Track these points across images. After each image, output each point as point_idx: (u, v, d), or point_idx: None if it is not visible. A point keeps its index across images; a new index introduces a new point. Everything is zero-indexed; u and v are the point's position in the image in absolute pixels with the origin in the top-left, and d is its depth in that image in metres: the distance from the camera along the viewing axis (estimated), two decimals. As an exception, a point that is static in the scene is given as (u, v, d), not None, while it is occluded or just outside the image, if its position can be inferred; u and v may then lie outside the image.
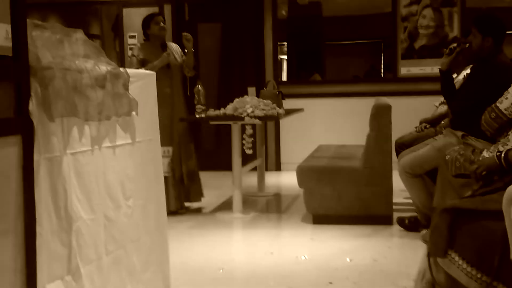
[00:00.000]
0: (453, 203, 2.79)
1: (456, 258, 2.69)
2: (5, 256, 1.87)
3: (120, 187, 2.56)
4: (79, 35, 2.38)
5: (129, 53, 5.45)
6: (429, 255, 2.78)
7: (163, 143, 5.16)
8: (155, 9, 7.97)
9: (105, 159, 2.45)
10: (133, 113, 2.66)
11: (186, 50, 5.47)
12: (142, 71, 3.06)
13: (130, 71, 2.67)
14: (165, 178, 5.23)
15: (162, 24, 5.46)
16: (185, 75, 5.60)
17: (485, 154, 3.84)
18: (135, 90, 2.67)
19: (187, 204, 5.57)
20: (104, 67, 2.44)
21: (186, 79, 5.80)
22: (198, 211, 5.59)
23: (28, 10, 1.97)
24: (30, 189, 1.96)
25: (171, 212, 5.10)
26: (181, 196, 5.45)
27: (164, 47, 5.48)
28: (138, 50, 5.45)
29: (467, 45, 4.34)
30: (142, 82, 2.85)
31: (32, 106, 1.98)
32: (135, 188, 2.69)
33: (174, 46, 5.60)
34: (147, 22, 5.49)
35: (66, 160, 2.16)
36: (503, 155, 2.92)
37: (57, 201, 2.11)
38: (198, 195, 5.60)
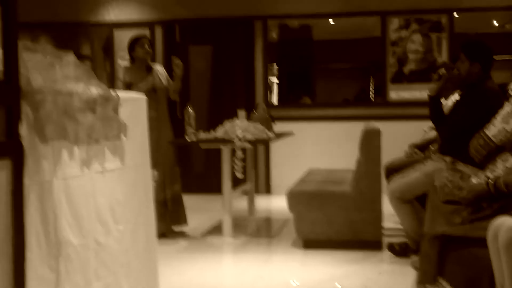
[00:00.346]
0: (443, 230, 2.81)
1: (446, 285, 2.69)
2: (-8, 281, 1.85)
3: (110, 212, 2.54)
4: (70, 57, 2.37)
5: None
6: (419, 282, 2.78)
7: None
8: (146, 31, 8.01)
9: (95, 183, 2.44)
10: (123, 137, 2.65)
11: (174, 75, 5.46)
12: (133, 94, 3.05)
13: (121, 94, 2.67)
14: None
15: (147, 47, 5.46)
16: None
17: (473, 180, 3.85)
18: (125, 113, 2.66)
19: (176, 227, 5.54)
20: (94, 90, 2.43)
21: (175, 101, 5.80)
22: (187, 234, 5.54)
23: (19, 30, 1.96)
24: (20, 214, 1.94)
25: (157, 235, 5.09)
26: (167, 219, 5.39)
27: (149, 69, 5.48)
28: (124, 73, 5.45)
29: (456, 70, 4.37)
30: (133, 106, 2.85)
31: (23, 129, 1.96)
32: (125, 212, 2.67)
33: (159, 69, 5.58)
34: (132, 45, 5.48)
35: (56, 184, 2.15)
36: (493, 182, 2.93)
37: (47, 226, 2.09)
38: (184, 218, 5.55)
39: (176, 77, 5.44)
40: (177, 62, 5.40)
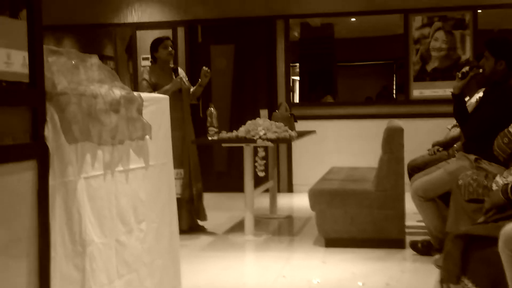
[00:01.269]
0: (466, 230, 2.79)
1: (469, 284, 2.68)
2: (19, 280, 1.89)
3: (132, 211, 2.58)
4: (94, 60, 2.41)
5: (140, 77, 5.51)
6: (442, 281, 2.77)
7: (175, 166, 5.29)
8: (168, 32, 8.06)
9: (118, 184, 2.47)
10: (147, 137, 2.68)
11: (200, 83, 5.55)
12: (155, 95, 3.09)
13: (144, 95, 2.70)
14: (178, 199, 5.33)
15: (170, 48, 5.53)
16: None
17: (498, 179, 3.82)
18: (148, 114, 2.70)
19: (200, 223, 5.64)
20: (118, 91, 2.47)
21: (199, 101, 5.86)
22: (210, 232, 5.58)
23: (43, 33, 2.00)
24: (45, 213, 1.98)
25: (183, 231, 5.19)
26: (193, 216, 5.56)
27: (175, 71, 5.57)
28: (149, 73, 5.49)
29: (481, 70, 4.33)
30: (156, 106, 2.88)
31: (48, 131, 2.00)
32: (148, 212, 2.71)
33: (181, 71, 5.70)
34: (155, 46, 5.54)
35: (80, 185, 2.18)
36: (509, 189, 2.90)
37: (72, 226, 2.13)
38: (204, 215, 5.68)
39: (202, 84, 5.56)
40: (206, 70, 5.51)
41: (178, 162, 5.29)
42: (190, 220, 5.51)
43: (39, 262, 1.96)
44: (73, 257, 2.14)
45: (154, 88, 5.35)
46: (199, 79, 5.55)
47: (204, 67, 5.59)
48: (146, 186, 2.71)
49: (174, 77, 5.52)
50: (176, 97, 5.36)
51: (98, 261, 2.28)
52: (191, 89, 5.64)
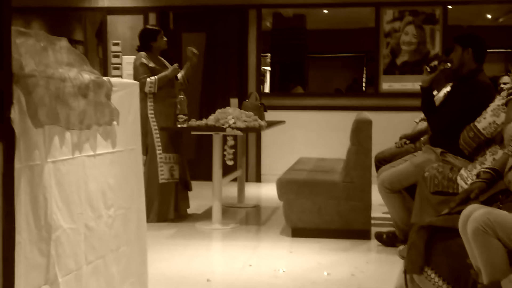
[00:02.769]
0: (430, 221, 2.84)
1: (432, 275, 2.72)
2: (-18, 264, 1.86)
3: (101, 196, 2.56)
4: (63, 43, 2.38)
5: (137, 61, 5.54)
6: (405, 272, 2.81)
7: (164, 150, 5.36)
8: (139, 18, 7.99)
9: (86, 168, 2.45)
10: (114, 122, 2.66)
11: (190, 63, 5.71)
12: (125, 80, 3.05)
13: (113, 80, 2.67)
14: (167, 184, 5.37)
15: (165, 38, 5.69)
16: None
17: (463, 172, 3.89)
18: (117, 99, 2.67)
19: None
20: (87, 76, 2.44)
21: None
22: (177, 220, 5.56)
23: (12, 15, 1.97)
24: (10, 197, 1.95)
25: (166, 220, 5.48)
26: (179, 203, 5.66)
27: (171, 59, 5.79)
28: (146, 59, 5.54)
29: (449, 64, 4.39)
30: (125, 91, 2.85)
31: (14, 114, 1.97)
32: (116, 197, 2.69)
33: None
34: (154, 35, 5.63)
35: (47, 169, 2.16)
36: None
37: (37, 210, 2.10)
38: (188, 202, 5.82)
39: (192, 64, 5.73)
40: (192, 50, 5.66)
41: (175, 147, 5.54)
42: (177, 210, 5.59)
43: (3, 247, 1.93)
44: (38, 242, 2.11)
45: (152, 72, 5.48)
46: (187, 61, 5.71)
47: (188, 47, 5.72)
48: (114, 172, 2.69)
49: (166, 63, 5.70)
50: (172, 84, 5.62)
51: (66, 247, 2.26)
52: (181, 73, 5.75)
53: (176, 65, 5.61)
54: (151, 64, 5.52)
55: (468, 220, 2.48)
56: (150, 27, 5.93)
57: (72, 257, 2.31)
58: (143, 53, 5.57)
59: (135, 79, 5.42)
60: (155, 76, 5.45)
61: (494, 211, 2.50)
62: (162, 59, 5.74)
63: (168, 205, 5.48)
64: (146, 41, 5.63)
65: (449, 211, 2.83)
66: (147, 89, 5.40)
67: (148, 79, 5.41)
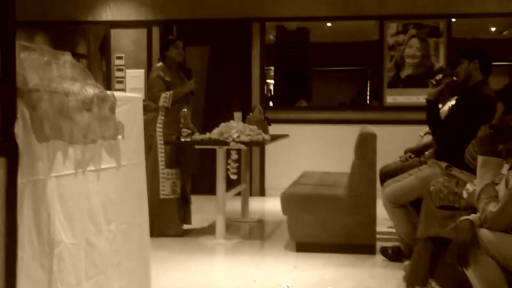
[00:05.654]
0: (437, 232, 2.82)
1: (436, 287, 2.71)
2: (-16, 280, 1.84)
3: (102, 211, 2.54)
4: (67, 57, 2.37)
5: (154, 74, 5.51)
6: (408, 283, 2.79)
7: (167, 166, 5.32)
8: (143, 31, 8.01)
9: (89, 183, 2.43)
10: (119, 136, 2.65)
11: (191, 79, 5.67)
12: (129, 94, 3.05)
13: (117, 94, 2.66)
14: (170, 200, 5.33)
15: (181, 49, 5.58)
16: None
17: (469, 186, 3.86)
18: (121, 113, 2.66)
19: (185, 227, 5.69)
20: (91, 90, 2.43)
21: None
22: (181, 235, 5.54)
23: (16, 29, 1.96)
24: (13, 213, 1.94)
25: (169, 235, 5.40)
26: (185, 218, 5.62)
27: (189, 72, 5.69)
28: (163, 72, 5.50)
29: (454, 78, 4.38)
30: (129, 106, 2.84)
31: (18, 128, 1.96)
32: (118, 212, 2.67)
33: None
34: (167, 44, 5.60)
35: (50, 184, 2.14)
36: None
37: (40, 225, 2.08)
38: (190, 218, 5.74)
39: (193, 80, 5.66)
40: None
41: (173, 162, 5.46)
42: (183, 223, 5.56)
43: (5, 262, 1.91)
44: (40, 258, 2.09)
45: (167, 87, 5.43)
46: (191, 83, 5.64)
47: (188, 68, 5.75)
48: (116, 186, 2.67)
49: (183, 76, 5.65)
50: (186, 99, 5.58)
51: (67, 262, 2.24)
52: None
53: (193, 79, 5.57)
54: (167, 78, 5.46)
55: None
56: (170, 37, 5.97)
57: (73, 272, 2.29)
58: (159, 65, 5.55)
59: (149, 92, 5.43)
60: (171, 92, 5.41)
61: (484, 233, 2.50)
62: (180, 72, 5.67)
63: (171, 220, 5.44)
64: (161, 50, 5.68)
65: (455, 225, 2.81)
66: (161, 103, 5.38)
67: (163, 94, 5.36)
